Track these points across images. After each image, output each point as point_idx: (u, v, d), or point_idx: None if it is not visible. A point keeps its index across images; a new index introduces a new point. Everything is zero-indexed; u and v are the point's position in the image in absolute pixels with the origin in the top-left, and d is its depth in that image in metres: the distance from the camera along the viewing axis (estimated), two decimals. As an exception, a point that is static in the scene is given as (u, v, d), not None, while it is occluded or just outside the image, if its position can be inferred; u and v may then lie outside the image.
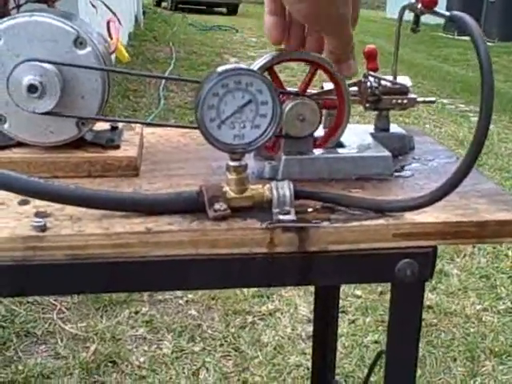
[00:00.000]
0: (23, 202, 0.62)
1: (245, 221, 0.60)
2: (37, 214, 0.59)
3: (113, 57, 0.72)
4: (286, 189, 0.60)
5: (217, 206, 0.59)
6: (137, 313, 1.99)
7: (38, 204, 0.61)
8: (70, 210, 0.60)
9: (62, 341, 1.85)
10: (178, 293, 2.08)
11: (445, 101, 5.16)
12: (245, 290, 2.10)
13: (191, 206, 0.60)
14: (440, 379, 1.78)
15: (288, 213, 0.60)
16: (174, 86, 4.95)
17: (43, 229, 0.57)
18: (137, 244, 0.57)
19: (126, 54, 0.76)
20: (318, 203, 0.63)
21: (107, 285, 0.59)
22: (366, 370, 1.78)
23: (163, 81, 4.53)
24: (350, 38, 0.62)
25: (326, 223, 0.60)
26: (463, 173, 0.57)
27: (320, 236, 0.59)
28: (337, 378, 1.19)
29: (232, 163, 0.59)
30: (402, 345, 0.65)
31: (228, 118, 0.57)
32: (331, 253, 0.60)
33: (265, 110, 0.57)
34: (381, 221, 0.60)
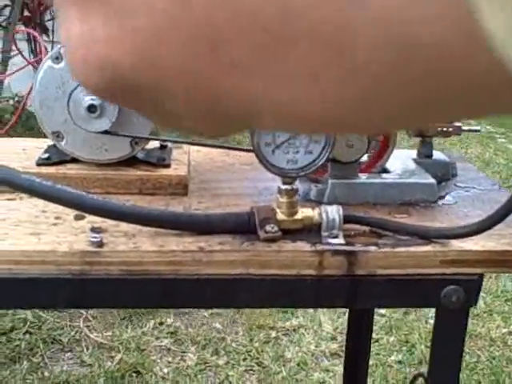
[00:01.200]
0: (79, 217, 0.64)
1: (294, 243, 0.61)
2: (93, 230, 0.61)
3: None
4: (335, 213, 0.61)
5: (268, 228, 0.60)
6: (161, 324, 2.00)
7: (92, 219, 0.63)
8: (125, 226, 0.62)
9: (87, 349, 1.87)
10: (203, 305, 2.09)
11: (471, 122, 5.15)
12: (269, 304, 2.10)
13: (242, 227, 0.61)
14: (464, 402, 1.76)
15: (337, 236, 0.61)
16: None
17: (100, 244, 0.58)
18: (190, 262, 0.59)
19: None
20: (365, 228, 0.64)
21: (160, 300, 0.61)
22: (389, 390, 1.78)
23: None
24: None
25: (374, 248, 0.61)
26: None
27: (368, 260, 0.60)
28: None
29: (284, 187, 0.61)
30: (445, 370, 0.66)
31: (283, 143, 0.58)
32: (379, 277, 0.61)
33: (318, 136, 0.59)
34: (428, 247, 0.61)
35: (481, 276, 0.62)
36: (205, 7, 0.19)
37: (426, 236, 0.62)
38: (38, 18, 2.17)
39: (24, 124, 2.77)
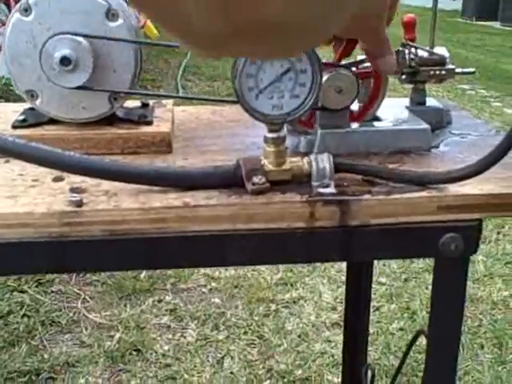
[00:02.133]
0: (58, 179, 0.61)
1: (283, 194, 0.58)
2: (72, 190, 0.58)
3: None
4: (325, 161, 0.58)
5: (255, 180, 0.57)
6: (160, 301, 1.98)
7: (72, 180, 0.60)
8: (106, 185, 0.59)
9: (86, 329, 1.85)
10: (202, 281, 2.07)
11: (465, 86, 5.10)
12: (268, 277, 2.09)
13: (229, 180, 0.58)
14: (467, 366, 1.75)
15: (328, 186, 0.58)
16: (191, 75, 4.94)
17: (79, 204, 0.55)
18: (174, 219, 0.56)
19: (155, 30, 0.74)
20: (357, 176, 0.61)
21: (145, 261, 0.58)
22: (391, 357, 1.77)
23: (181, 70, 4.51)
24: (385, 39, 0.58)
25: (367, 196, 0.58)
26: (510, 142, 0.55)
27: (361, 209, 0.58)
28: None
29: (270, 135, 0.58)
30: (446, 322, 0.63)
31: (266, 88, 0.55)
32: (373, 227, 0.58)
33: (304, 78, 0.56)
34: (424, 193, 0.58)
35: (480, 222, 0.60)
36: None
37: (421, 182, 0.59)
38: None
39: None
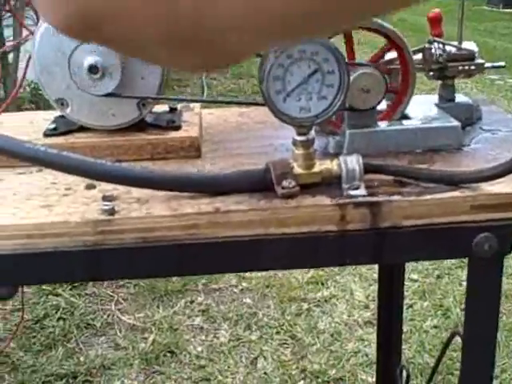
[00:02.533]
0: (90, 186, 0.62)
1: (314, 197, 0.58)
2: (104, 198, 0.59)
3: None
4: (355, 163, 0.58)
5: (285, 184, 0.57)
6: (192, 302, 1.99)
7: (104, 188, 0.61)
8: (137, 192, 0.59)
9: (120, 332, 1.87)
10: (233, 281, 2.08)
11: (493, 76, 5.02)
12: (299, 276, 2.08)
13: (259, 185, 0.58)
14: (504, 363, 1.72)
15: (358, 188, 0.58)
16: (216, 74, 4.96)
17: (112, 212, 0.56)
18: (206, 225, 0.56)
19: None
20: (387, 177, 0.61)
21: (177, 267, 0.58)
22: (426, 356, 1.75)
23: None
24: None
25: (398, 197, 0.57)
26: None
27: (393, 211, 0.57)
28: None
29: (299, 138, 0.57)
30: (481, 322, 0.62)
31: (294, 90, 0.55)
32: (405, 228, 0.57)
33: (331, 79, 0.55)
34: (456, 193, 0.58)
35: (514, 220, 0.59)
36: None
37: (453, 181, 0.58)
38: None
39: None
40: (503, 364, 1.72)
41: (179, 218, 0.56)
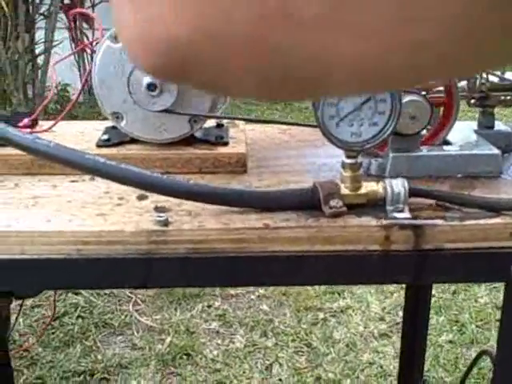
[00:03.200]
0: (142, 197, 0.64)
1: (359, 218, 0.60)
2: (157, 209, 0.61)
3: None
4: (400, 186, 0.60)
5: (332, 203, 0.59)
6: (209, 307, 2.02)
7: (155, 199, 0.63)
8: (188, 205, 0.62)
9: (138, 332, 1.90)
10: (250, 288, 2.10)
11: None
12: (316, 286, 2.10)
13: (306, 203, 0.61)
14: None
15: (402, 210, 0.60)
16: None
17: (166, 223, 0.59)
18: (255, 239, 0.59)
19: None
20: (430, 201, 0.63)
21: (225, 278, 0.61)
22: (440, 370, 1.76)
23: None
24: None
25: (441, 221, 0.60)
26: None
27: (436, 234, 0.59)
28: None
29: (348, 161, 0.60)
30: (514, 345, 0.64)
31: (347, 116, 0.57)
32: (446, 251, 0.60)
33: (383, 107, 0.58)
34: (497, 220, 0.60)
35: (552, 248, 0.60)
36: None
37: (495, 208, 0.60)
38: (78, 5, 2.20)
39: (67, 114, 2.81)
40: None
41: (230, 232, 0.59)
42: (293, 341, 1.87)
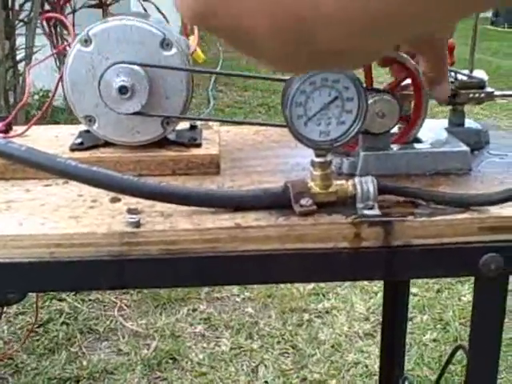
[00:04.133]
0: (114, 200, 0.65)
1: (330, 216, 0.61)
2: (129, 211, 0.62)
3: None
4: (369, 184, 0.61)
5: (303, 202, 0.60)
6: (195, 310, 2.02)
7: (127, 201, 0.64)
8: (160, 206, 0.62)
9: (123, 337, 1.89)
10: (235, 290, 2.10)
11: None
12: (301, 287, 2.11)
13: (277, 202, 0.61)
14: (502, 378, 1.75)
15: (372, 207, 0.61)
16: (222, 86, 5.00)
17: (138, 225, 0.59)
18: (226, 239, 0.59)
19: (202, 55, 0.78)
20: (399, 198, 0.64)
21: (198, 278, 0.61)
22: (425, 368, 1.77)
23: (212, 81, 4.56)
24: (444, 65, 0.62)
25: (410, 217, 0.60)
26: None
27: (405, 230, 0.60)
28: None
29: (317, 159, 0.60)
30: (485, 339, 0.65)
31: (315, 115, 0.58)
32: (416, 247, 0.60)
33: (350, 106, 0.59)
34: (465, 215, 0.61)
35: (520, 242, 0.62)
36: None
37: (463, 204, 0.61)
38: (58, 11, 2.20)
39: (50, 120, 2.80)
40: (501, 378, 1.74)
41: (202, 232, 0.59)
42: (278, 343, 1.88)
